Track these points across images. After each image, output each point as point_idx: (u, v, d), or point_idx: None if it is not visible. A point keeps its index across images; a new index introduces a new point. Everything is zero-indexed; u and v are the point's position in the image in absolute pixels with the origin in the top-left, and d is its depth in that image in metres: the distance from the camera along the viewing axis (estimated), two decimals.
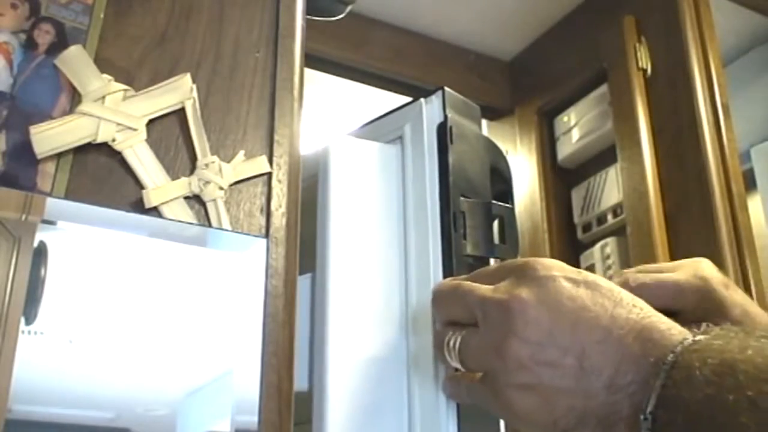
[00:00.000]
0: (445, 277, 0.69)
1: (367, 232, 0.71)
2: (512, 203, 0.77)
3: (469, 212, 0.71)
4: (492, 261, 0.73)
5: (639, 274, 0.67)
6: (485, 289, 0.58)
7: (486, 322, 0.57)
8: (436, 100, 0.74)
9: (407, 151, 0.74)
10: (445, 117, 0.73)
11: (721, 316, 0.65)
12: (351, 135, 0.79)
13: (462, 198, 0.71)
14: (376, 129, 0.78)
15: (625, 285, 0.67)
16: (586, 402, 0.51)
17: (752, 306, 0.67)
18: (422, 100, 0.76)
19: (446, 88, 0.76)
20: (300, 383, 0.68)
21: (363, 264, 0.70)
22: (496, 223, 0.74)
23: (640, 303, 0.54)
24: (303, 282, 0.70)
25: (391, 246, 0.72)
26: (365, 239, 0.71)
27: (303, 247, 0.68)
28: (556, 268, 0.56)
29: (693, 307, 0.66)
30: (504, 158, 0.79)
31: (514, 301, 0.55)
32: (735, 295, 0.67)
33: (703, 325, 0.51)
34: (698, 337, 0.48)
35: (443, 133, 0.72)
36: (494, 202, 0.74)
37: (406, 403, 0.67)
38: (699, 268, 0.68)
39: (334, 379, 0.66)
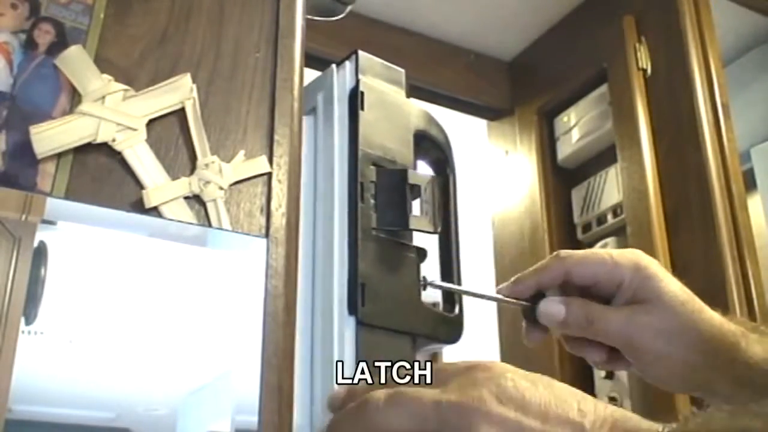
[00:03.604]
0: (350, 253, 0.62)
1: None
2: (451, 171, 0.71)
3: (380, 182, 0.64)
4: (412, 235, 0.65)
5: (571, 250, 0.68)
6: (432, 393, 0.50)
7: (446, 428, 0.49)
8: (349, 65, 0.69)
9: (319, 121, 0.69)
10: (357, 82, 0.67)
11: (657, 291, 0.66)
12: None
13: (373, 167, 0.65)
14: None
15: (556, 258, 0.67)
16: None
17: (692, 294, 0.68)
18: (333, 66, 0.70)
19: (360, 51, 0.69)
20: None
21: None
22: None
23: (603, 402, 0.51)
24: None
25: (302, 225, 0.66)
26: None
27: None
28: (508, 369, 0.51)
29: (628, 281, 0.66)
30: (437, 124, 0.73)
31: (475, 401, 0.48)
32: (670, 276, 0.68)
33: (681, 417, 0.49)
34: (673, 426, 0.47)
35: (354, 104, 0.66)
36: (412, 171, 0.67)
37: (309, 390, 0.63)
38: (631, 249, 0.69)
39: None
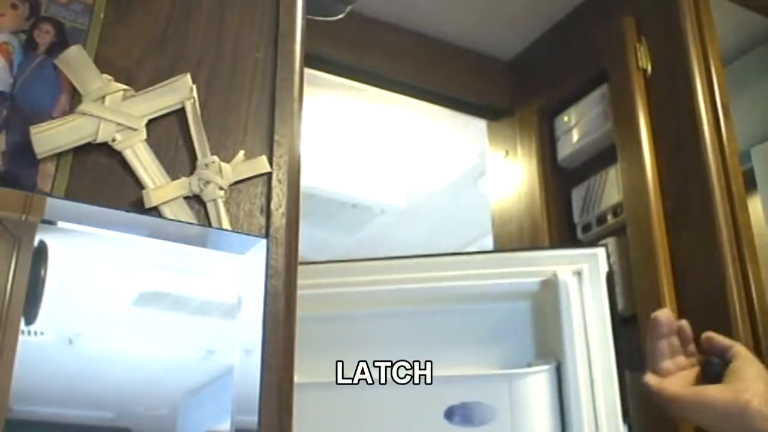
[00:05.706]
0: (620, 380, 1.00)
1: (580, 335, 1.04)
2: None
3: (620, 335, 1.04)
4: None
5: None
6: None
7: None
8: (603, 253, 1.11)
9: (585, 285, 1.07)
10: (611, 269, 1.07)
11: None
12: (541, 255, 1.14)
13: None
14: (559, 259, 1.11)
15: None
16: None
17: None
18: (597, 250, 1.09)
19: (608, 246, 1.15)
20: None
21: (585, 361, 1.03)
22: None
23: None
24: (549, 371, 1.01)
25: (583, 346, 1.05)
26: (581, 341, 1.04)
27: (541, 339, 1.04)
28: None
29: None
30: None
31: None
32: None
33: None
34: None
35: (611, 282, 1.06)
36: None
37: None
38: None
39: None
